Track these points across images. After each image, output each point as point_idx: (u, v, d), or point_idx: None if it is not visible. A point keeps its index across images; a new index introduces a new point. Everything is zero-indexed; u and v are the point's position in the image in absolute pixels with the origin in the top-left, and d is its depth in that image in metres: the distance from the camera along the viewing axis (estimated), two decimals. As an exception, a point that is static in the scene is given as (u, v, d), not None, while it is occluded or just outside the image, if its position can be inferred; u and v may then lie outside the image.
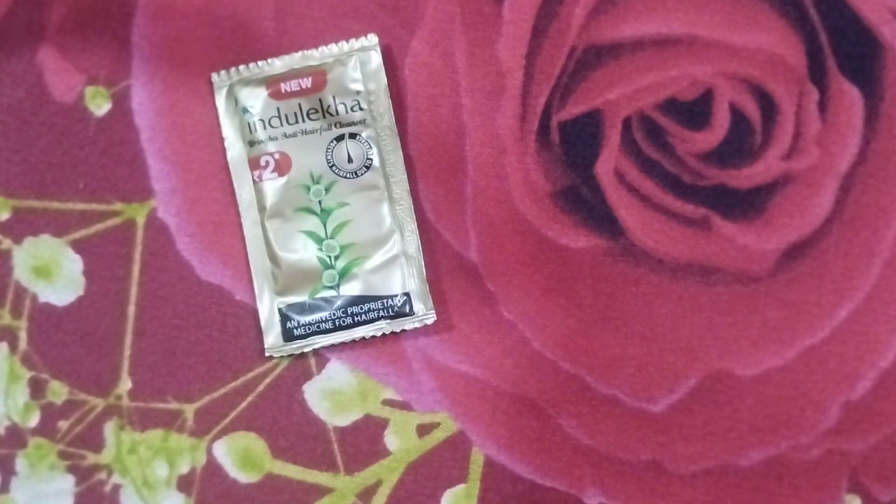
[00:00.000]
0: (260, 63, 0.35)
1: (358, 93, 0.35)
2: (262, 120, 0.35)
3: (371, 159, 0.35)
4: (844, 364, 0.35)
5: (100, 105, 0.36)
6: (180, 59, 0.36)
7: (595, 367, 0.35)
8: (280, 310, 0.35)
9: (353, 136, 0.35)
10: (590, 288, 0.35)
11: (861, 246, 0.35)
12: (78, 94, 0.36)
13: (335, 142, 0.35)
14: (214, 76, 0.35)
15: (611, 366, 0.35)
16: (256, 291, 0.35)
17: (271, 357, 0.35)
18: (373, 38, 0.35)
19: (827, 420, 0.35)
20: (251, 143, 0.35)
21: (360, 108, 0.35)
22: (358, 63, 0.35)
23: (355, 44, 0.35)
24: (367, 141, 0.35)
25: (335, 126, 0.35)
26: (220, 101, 0.35)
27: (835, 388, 0.35)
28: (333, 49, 0.35)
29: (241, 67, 0.35)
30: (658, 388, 0.35)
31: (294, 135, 0.35)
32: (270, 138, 0.35)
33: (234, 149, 0.35)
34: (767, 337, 0.35)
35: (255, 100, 0.35)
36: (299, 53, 0.35)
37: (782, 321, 0.35)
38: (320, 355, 0.35)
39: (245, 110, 0.35)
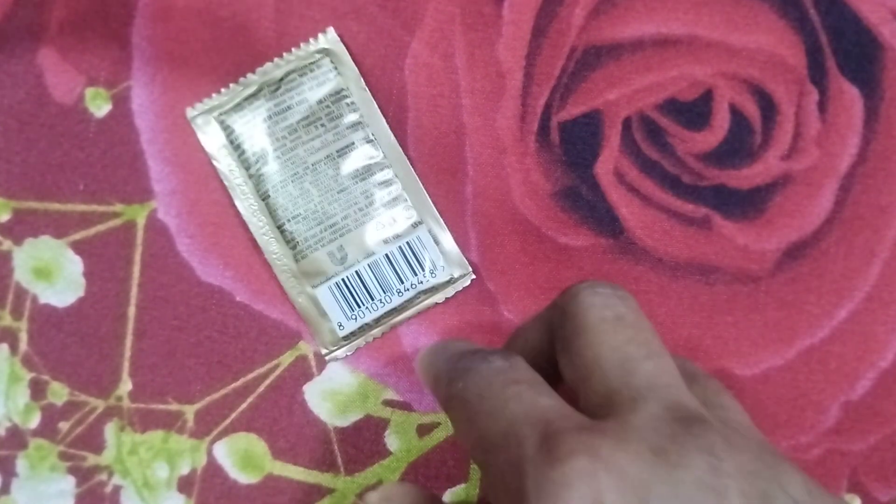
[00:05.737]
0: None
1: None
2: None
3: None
4: (844, 364, 0.35)
5: (100, 106, 0.36)
6: (180, 60, 0.36)
7: (595, 367, 0.35)
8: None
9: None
10: (590, 287, 0.35)
11: (861, 246, 0.35)
12: (78, 95, 0.36)
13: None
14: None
15: (611, 366, 0.35)
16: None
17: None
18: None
19: (827, 420, 0.35)
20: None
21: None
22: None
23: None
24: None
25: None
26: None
27: (834, 388, 0.35)
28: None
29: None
30: (658, 389, 0.35)
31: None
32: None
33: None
34: (767, 336, 0.35)
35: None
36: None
37: (782, 321, 0.35)
38: (319, 356, 0.35)
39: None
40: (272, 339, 0.35)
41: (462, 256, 0.35)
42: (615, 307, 0.26)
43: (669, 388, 0.24)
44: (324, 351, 0.35)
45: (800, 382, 0.35)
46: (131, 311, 0.36)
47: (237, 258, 0.35)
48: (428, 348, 0.30)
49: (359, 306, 0.34)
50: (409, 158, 0.35)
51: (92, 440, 0.35)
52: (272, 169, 0.34)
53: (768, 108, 0.35)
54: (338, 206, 0.34)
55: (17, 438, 0.35)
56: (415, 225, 0.35)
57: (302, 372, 0.35)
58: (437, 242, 0.35)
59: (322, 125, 0.34)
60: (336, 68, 0.35)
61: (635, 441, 0.22)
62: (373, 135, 0.35)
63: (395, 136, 0.35)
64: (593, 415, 0.24)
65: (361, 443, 0.35)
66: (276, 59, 0.35)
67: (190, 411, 0.35)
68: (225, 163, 0.35)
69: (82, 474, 0.35)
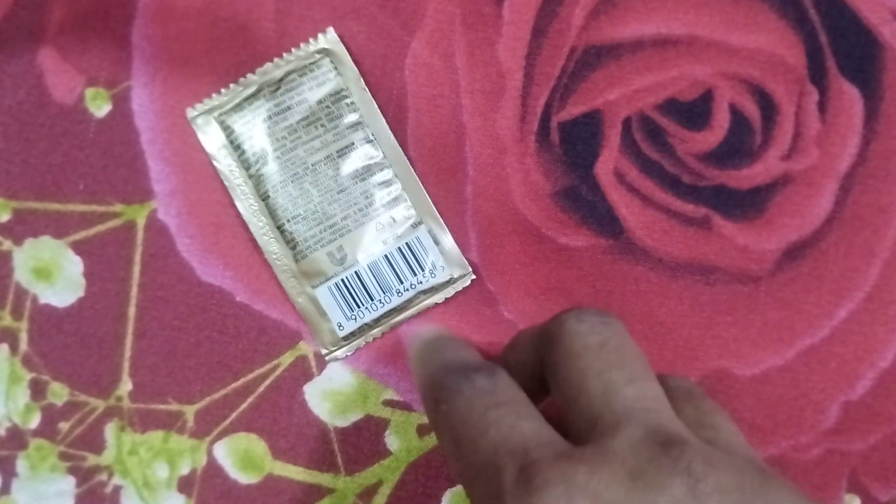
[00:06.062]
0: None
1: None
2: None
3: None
4: (844, 364, 0.35)
5: (100, 106, 0.36)
6: (180, 60, 0.36)
7: (595, 367, 0.35)
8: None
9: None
10: (590, 287, 0.35)
11: (861, 246, 0.35)
12: (78, 95, 0.36)
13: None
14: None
15: (611, 366, 0.35)
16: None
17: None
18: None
19: (826, 420, 0.35)
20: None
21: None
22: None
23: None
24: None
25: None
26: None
27: (834, 388, 0.35)
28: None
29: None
30: (658, 389, 0.35)
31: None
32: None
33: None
34: (767, 337, 0.35)
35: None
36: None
37: (782, 321, 0.35)
38: (319, 356, 0.35)
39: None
40: (272, 339, 0.35)
41: (462, 256, 0.35)
42: (600, 333, 0.26)
43: (650, 412, 0.24)
44: (324, 351, 0.35)
45: (800, 382, 0.35)
46: (131, 311, 0.36)
47: (237, 258, 0.35)
48: (416, 346, 0.30)
49: (358, 306, 0.34)
50: (409, 158, 0.35)
51: (92, 440, 0.35)
52: (272, 169, 0.34)
53: (768, 108, 0.35)
54: (337, 206, 0.34)
55: (17, 438, 0.35)
56: (415, 225, 0.35)
57: (302, 372, 0.35)
58: (436, 242, 0.35)
59: (322, 125, 0.34)
60: (336, 68, 0.35)
61: (613, 465, 0.23)
62: (373, 135, 0.35)
63: (395, 136, 0.35)
64: (579, 439, 0.25)
65: (361, 443, 0.35)
66: (276, 60, 0.35)
67: (190, 411, 0.35)
68: (225, 163, 0.35)
69: (82, 474, 0.35)
